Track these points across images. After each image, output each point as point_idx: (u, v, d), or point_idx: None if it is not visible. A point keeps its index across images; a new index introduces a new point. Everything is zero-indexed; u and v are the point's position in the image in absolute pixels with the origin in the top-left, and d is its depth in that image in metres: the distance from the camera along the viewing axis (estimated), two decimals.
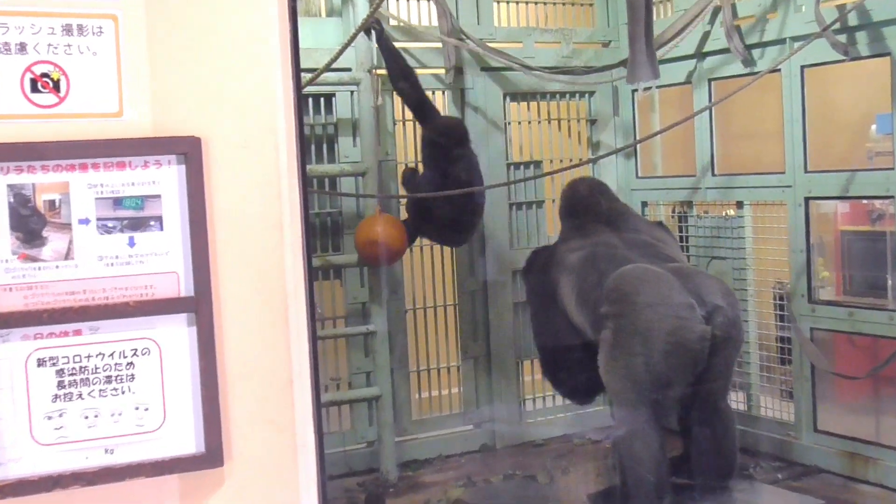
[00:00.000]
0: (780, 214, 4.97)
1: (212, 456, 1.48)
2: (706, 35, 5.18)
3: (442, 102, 5.33)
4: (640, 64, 3.99)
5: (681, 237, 5.56)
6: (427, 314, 5.42)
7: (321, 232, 4.99)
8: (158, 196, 1.47)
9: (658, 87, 5.35)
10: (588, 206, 4.58)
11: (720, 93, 5.16)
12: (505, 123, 5.50)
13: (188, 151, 1.48)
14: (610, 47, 5.75)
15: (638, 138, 5.65)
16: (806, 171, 4.74)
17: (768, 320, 5.23)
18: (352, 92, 4.97)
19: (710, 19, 5.13)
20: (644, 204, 5.72)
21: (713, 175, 5.28)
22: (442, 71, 5.24)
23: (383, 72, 4.91)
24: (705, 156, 5.29)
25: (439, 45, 5.18)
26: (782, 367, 5.10)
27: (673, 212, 5.68)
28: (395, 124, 5.18)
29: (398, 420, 5.13)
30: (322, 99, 4.99)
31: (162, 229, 1.47)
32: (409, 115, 5.14)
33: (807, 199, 4.76)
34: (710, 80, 5.24)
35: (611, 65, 5.45)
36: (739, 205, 5.17)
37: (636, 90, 5.59)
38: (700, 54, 5.23)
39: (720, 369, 4.06)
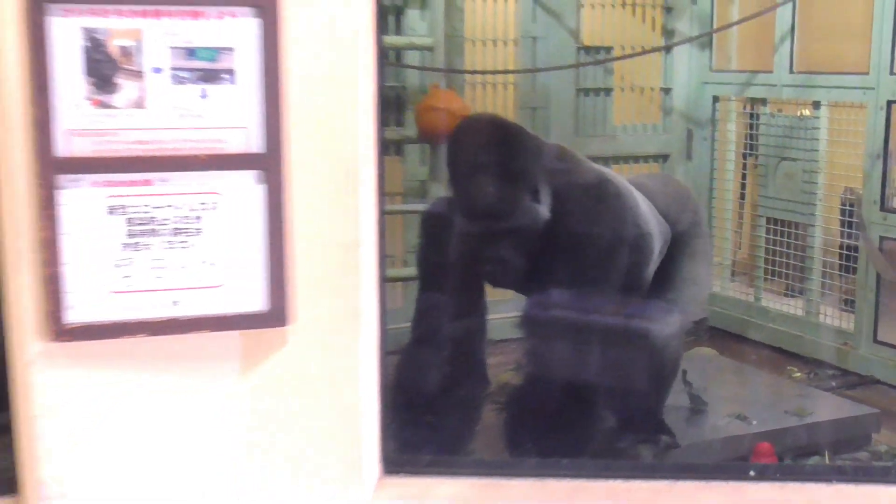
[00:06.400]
0: (859, 118, 4.85)
1: (276, 315, 1.49)
2: None
3: None
4: None
5: (751, 135, 5.48)
6: None
7: (384, 105, 4.96)
8: (232, 49, 1.45)
9: None
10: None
11: None
12: (578, 5, 5.38)
13: (264, 4, 1.45)
14: None
15: (715, 28, 5.51)
16: (892, 73, 4.58)
17: (834, 226, 5.15)
18: None
19: None
20: (716, 98, 5.61)
21: (791, 73, 5.15)
22: None
23: None
24: (784, 52, 5.15)
25: None
26: (845, 276, 5.04)
27: (744, 108, 5.58)
28: None
29: None
30: None
31: (234, 83, 1.45)
32: None
33: (889, 103, 4.62)
34: None
35: None
36: (816, 105, 5.05)
37: None
38: None
39: None
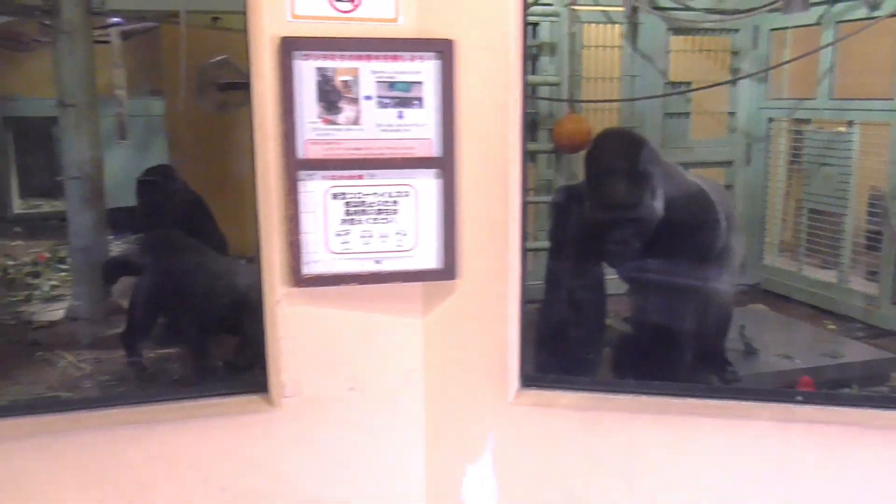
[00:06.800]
0: (885, 133, 4.52)
1: (448, 271, 1.49)
2: None
3: (618, 35, 5.06)
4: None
5: (797, 147, 5.19)
6: None
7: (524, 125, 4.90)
8: (420, 82, 1.44)
9: (792, 27, 4.90)
10: None
11: (843, 34, 4.68)
12: (666, 52, 5.18)
13: (444, 50, 1.44)
14: None
15: (770, 66, 5.23)
16: None
17: (862, 216, 4.83)
18: (552, 21, 4.79)
19: None
20: (770, 119, 5.33)
21: (830, 99, 4.84)
22: (621, 9, 4.96)
23: (578, 8, 4.70)
24: (826, 83, 4.84)
25: None
26: (870, 253, 4.73)
27: (792, 127, 5.28)
28: (582, 48, 4.97)
29: None
30: (530, 27, 4.83)
31: (422, 107, 1.45)
32: (594, 41, 4.92)
33: None
34: (836, 23, 4.74)
35: (753, 7, 5.01)
36: (850, 124, 4.74)
37: (772, 29, 5.15)
38: (832, 0, 4.73)
39: None
